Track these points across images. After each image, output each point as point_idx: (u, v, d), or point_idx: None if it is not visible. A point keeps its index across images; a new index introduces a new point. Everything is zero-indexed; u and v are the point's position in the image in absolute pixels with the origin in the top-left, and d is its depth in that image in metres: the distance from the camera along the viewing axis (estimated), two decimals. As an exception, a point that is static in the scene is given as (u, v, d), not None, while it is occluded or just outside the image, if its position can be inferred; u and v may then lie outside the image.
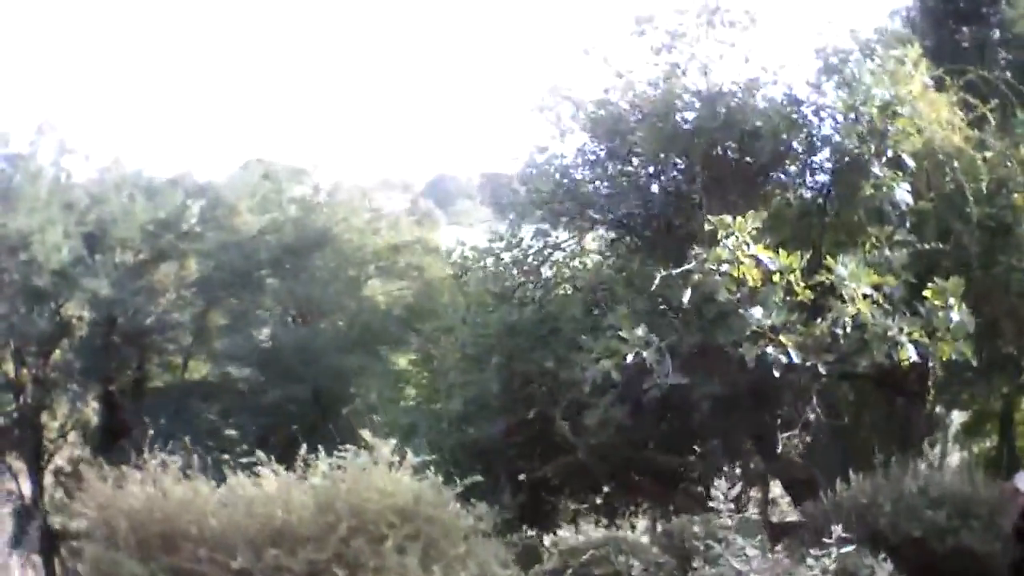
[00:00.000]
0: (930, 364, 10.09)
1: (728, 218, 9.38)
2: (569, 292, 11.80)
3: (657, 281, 9.97)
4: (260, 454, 8.75)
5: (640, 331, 9.46)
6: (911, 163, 11.30)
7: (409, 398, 22.91)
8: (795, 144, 11.50)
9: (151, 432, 28.89)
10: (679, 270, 9.34)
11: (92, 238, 32.09)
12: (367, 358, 27.58)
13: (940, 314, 9.55)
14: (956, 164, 11.56)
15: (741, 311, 9.07)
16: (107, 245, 32.11)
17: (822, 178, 11.83)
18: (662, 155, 12.00)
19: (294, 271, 29.63)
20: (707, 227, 9.52)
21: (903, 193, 10.94)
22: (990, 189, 11.56)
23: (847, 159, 11.29)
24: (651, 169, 12.22)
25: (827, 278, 9.51)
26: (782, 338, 9.09)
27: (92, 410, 34.72)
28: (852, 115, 11.05)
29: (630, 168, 12.92)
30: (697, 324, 9.74)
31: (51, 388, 33.60)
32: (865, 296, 9.41)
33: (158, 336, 32.86)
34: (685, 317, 10.00)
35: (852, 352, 9.62)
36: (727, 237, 9.30)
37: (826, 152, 11.72)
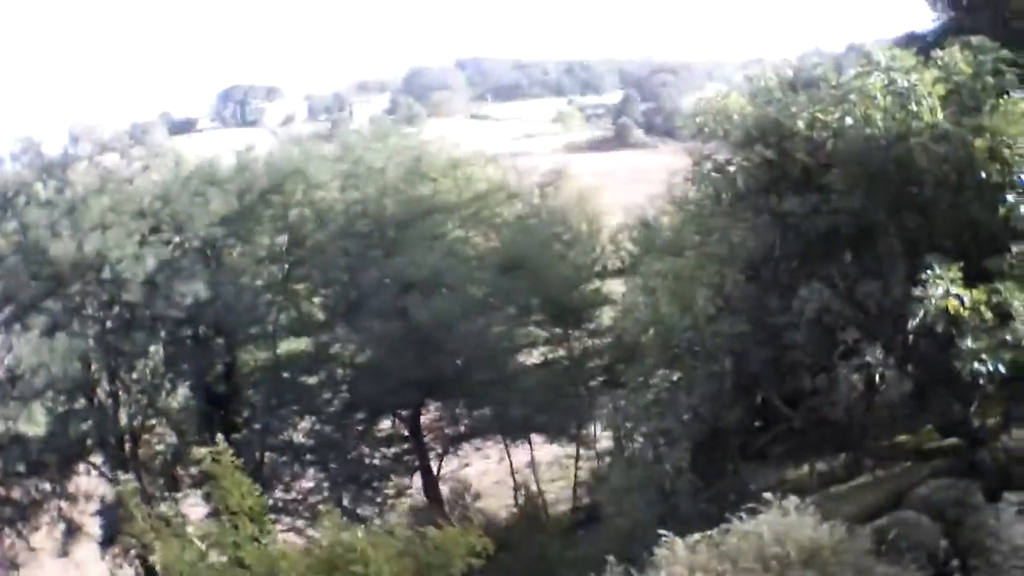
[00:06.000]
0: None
1: (939, 270, 15.52)
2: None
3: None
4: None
5: (880, 354, 15.78)
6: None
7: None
8: (949, 175, 17.44)
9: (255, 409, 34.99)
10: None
11: (172, 241, 37.02)
12: (502, 319, 33.67)
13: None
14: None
15: (958, 341, 15.33)
16: (188, 245, 37.16)
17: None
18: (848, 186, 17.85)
19: (398, 241, 35.28)
20: (923, 276, 15.63)
21: None
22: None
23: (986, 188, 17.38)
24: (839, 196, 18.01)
25: (1002, 301, 15.72)
26: (983, 356, 15.35)
27: (177, 401, 39.99)
28: (989, 155, 17.12)
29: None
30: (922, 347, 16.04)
31: (139, 391, 38.85)
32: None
33: (246, 321, 38.06)
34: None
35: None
36: (936, 284, 15.46)
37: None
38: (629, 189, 73.00)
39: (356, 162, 37.71)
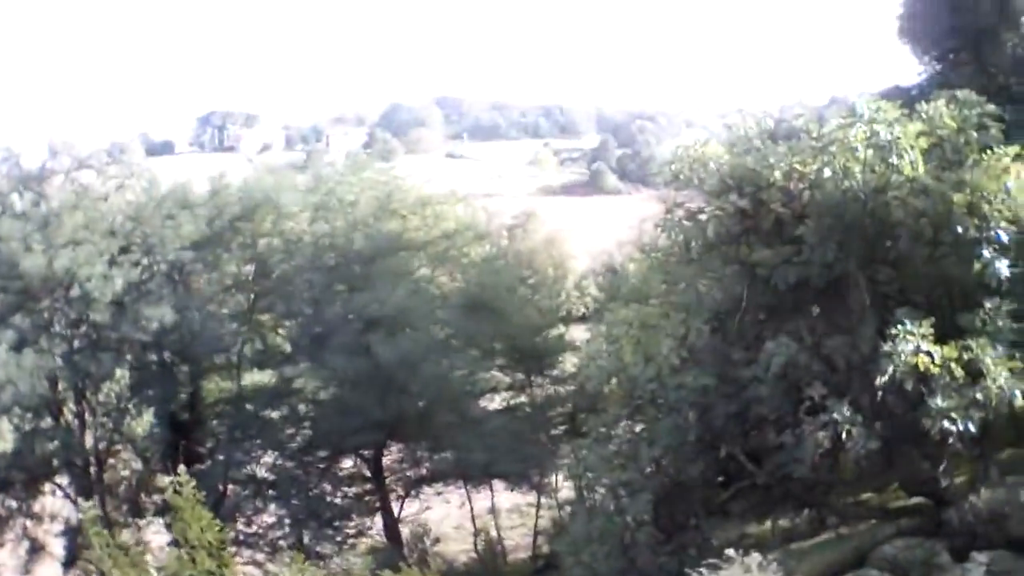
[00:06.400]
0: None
1: (909, 326, 15.26)
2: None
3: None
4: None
5: (847, 411, 15.44)
6: (1004, 238, 17.19)
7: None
8: (926, 230, 17.24)
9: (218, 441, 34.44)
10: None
11: (140, 263, 36.47)
12: (465, 361, 33.28)
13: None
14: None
15: (927, 399, 15.06)
16: (156, 268, 36.61)
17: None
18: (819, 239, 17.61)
19: (364, 277, 34.85)
20: (893, 331, 15.38)
21: (1003, 268, 16.90)
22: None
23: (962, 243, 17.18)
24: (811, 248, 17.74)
25: (974, 359, 15.47)
26: (953, 414, 15.11)
27: (142, 427, 39.48)
28: (968, 210, 16.93)
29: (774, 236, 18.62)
30: (891, 404, 15.74)
31: (104, 415, 38.28)
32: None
33: (211, 350, 37.51)
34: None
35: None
36: (906, 340, 15.21)
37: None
38: (599, 234, 73.06)
39: (328, 194, 37.38)
